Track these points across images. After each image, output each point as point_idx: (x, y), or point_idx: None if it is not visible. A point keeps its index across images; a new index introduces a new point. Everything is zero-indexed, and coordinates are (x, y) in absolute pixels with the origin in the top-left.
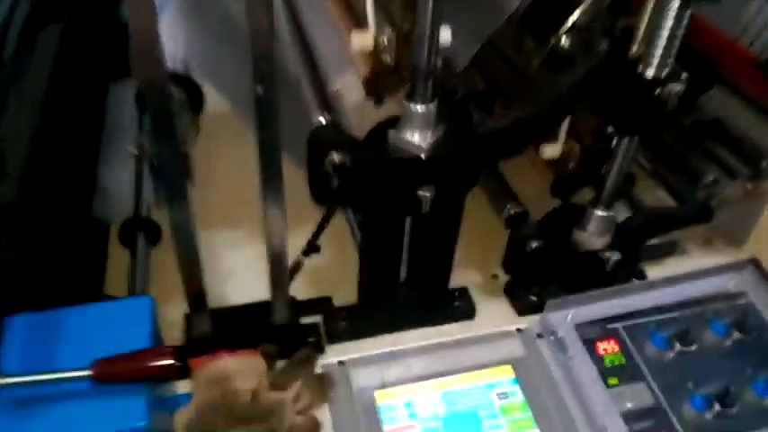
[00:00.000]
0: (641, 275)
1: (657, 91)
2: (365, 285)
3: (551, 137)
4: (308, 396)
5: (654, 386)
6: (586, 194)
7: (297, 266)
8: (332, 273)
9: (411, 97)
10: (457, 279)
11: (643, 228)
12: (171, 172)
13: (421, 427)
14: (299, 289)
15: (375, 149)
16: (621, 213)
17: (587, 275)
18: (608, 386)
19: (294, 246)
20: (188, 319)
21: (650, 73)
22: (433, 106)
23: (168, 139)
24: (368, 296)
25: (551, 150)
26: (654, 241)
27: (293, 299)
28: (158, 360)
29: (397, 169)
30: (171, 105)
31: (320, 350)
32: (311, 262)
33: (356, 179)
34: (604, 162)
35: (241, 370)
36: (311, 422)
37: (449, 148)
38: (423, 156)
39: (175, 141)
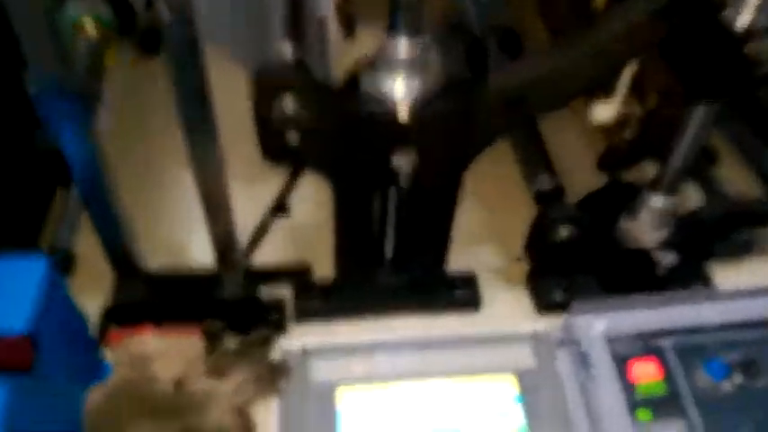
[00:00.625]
0: (705, 281)
1: (746, 47)
2: (342, 261)
3: (606, 93)
4: (251, 388)
5: (698, 427)
6: (644, 172)
7: (263, 229)
8: (321, 237)
9: (393, 28)
10: (466, 260)
11: (719, 223)
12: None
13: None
14: (276, 254)
15: (343, 100)
16: (691, 200)
17: (632, 276)
18: (636, 420)
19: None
20: (116, 283)
21: (739, 23)
22: (423, 42)
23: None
24: (346, 273)
25: (604, 111)
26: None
27: (249, 268)
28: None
29: (367, 129)
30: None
31: (280, 330)
32: (296, 223)
33: (316, 139)
34: (672, 132)
35: (167, 351)
36: (244, 424)
37: (442, 103)
38: (401, 113)
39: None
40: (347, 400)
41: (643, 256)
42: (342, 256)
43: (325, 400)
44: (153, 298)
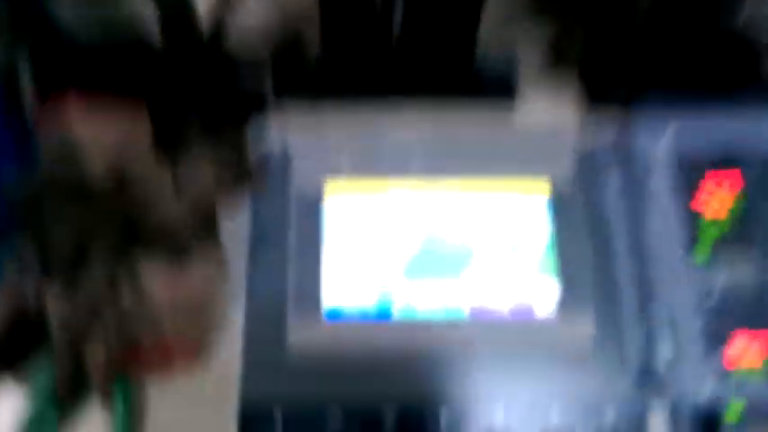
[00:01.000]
0: None
1: None
2: (335, 26)
3: None
4: (215, 181)
5: None
6: None
7: None
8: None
9: None
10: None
11: None
12: None
13: (382, 244)
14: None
15: None
16: None
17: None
18: (694, 258)
19: None
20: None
21: None
22: None
23: None
24: (340, 42)
25: None
26: None
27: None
28: None
29: None
30: None
31: (258, 107)
32: None
33: None
34: None
35: (104, 134)
36: (203, 221)
37: None
38: None
39: None
40: (335, 202)
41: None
42: (335, 18)
43: (308, 201)
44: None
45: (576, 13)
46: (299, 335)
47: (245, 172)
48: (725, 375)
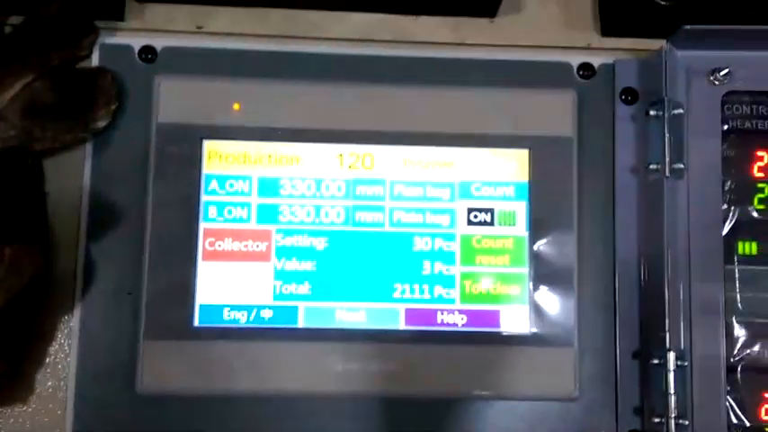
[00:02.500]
0: None
1: None
2: None
3: None
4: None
5: None
6: None
7: None
8: None
9: None
10: None
11: None
12: None
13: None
14: None
15: None
16: None
17: None
18: (737, 254)
19: None
20: None
21: None
22: None
23: None
24: None
25: None
26: None
27: None
28: None
29: None
30: None
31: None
32: None
33: None
34: None
35: None
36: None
37: None
38: None
39: None
40: (221, 161)
41: None
42: None
43: (183, 156)
44: None
45: None
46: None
47: (86, 107)
48: None
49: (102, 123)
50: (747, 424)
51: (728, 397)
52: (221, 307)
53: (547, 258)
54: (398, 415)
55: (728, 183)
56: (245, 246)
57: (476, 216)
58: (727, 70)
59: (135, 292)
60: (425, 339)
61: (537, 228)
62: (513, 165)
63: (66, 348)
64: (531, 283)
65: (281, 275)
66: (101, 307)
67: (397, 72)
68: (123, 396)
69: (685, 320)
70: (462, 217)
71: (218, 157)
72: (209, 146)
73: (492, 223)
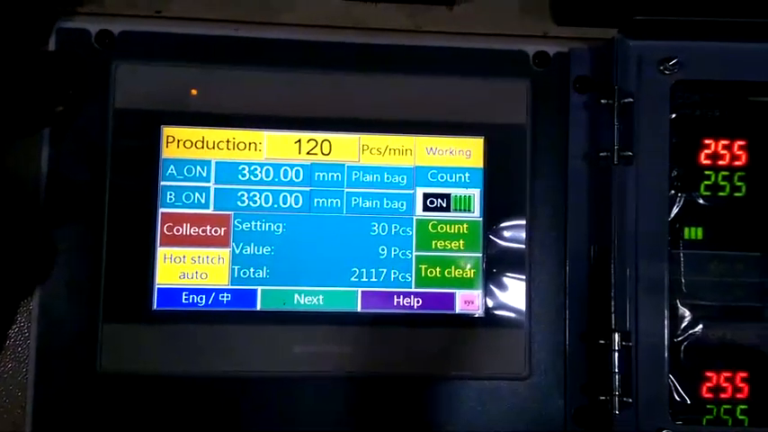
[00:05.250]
0: None
1: None
2: None
3: None
4: None
5: None
6: None
7: None
8: None
9: None
10: None
11: None
12: None
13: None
14: None
15: None
16: None
17: None
18: (682, 241)
19: None
20: None
21: None
22: None
23: None
24: None
25: None
26: None
27: None
28: None
29: None
30: None
31: None
32: None
33: None
34: None
35: None
36: None
37: None
38: None
39: None
40: (179, 147)
41: None
42: None
43: (140, 141)
44: None
45: None
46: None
47: (43, 92)
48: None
49: (58, 108)
50: (689, 401)
51: (671, 375)
52: (180, 290)
53: (500, 243)
54: (356, 395)
55: (676, 170)
56: (204, 231)
57: (432, 202)
58: (675, 60)
59: (94, 275)
60: (382, 321)
61: (491, 213)
62: (469, 151)
63: (26, 331)
64: (484, 267)
65: (240, 260)
66: (60, 290)
67: (356, 59)
68: (83, 378)
69: (631, 302)
70: (419, 202)
71: (176, 142)
72: (167, 131)
73: (448, 209)
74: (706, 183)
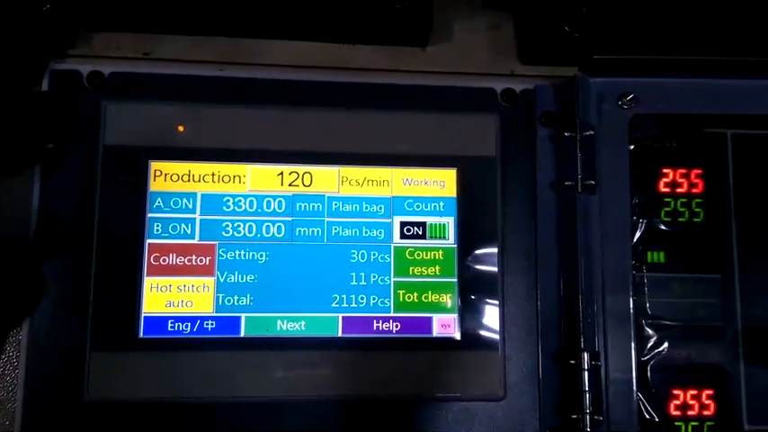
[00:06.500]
0: None
1: None
2: None
3: None
4: None
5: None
6: None
7: None
8: None
9: None
10: None
11: None
12: None
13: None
14: None
15: None
16: None
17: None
18: (645, 264)
19: None
20: None
21: None
22: None
23: None
24: None
25: None
26: None
27: None
28: None
29: None
30: None
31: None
32: None
33: None
34: None
35: None
36: None
37: None
38: None
39: None
40: (168, 180)
41: None
42: None
43: (129, 176)
44: None
45: None
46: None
47: (36, 130)
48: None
49: (50, 146)
50: (657, 419)
51: (639, 394)
52: (166, 318)
53: (474, 268)
54: (338, 417)
55: (637, 197)
56: (189, 260)
57: (409, 230)
58: (632, 95)
59: (82, 305)
60: (362, 346)
61: (465, 240)
62: (443, 182)
63: (15, 360)
64: (459, 292)
65: (224, 288)
66: (48, 319)
67: (336, 96)
68: (71, 406)
69: (600, 324)
70: (396, 230)
71: (163, 176)
72: (154, 166)
73: (424, 236)
74: (666, 209)
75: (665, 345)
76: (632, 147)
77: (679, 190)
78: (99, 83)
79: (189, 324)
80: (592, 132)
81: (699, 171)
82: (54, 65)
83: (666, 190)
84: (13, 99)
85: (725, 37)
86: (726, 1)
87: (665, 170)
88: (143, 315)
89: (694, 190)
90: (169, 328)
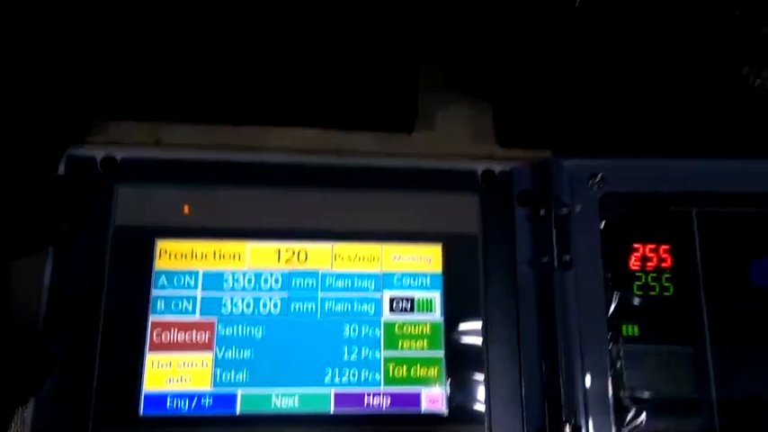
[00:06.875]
0: None
1: None
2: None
3: None
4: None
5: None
6: None
7: None
8: None
9: None
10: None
11: None
12: None
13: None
14: None
15: None
16: None
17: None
18: (621, 335)
19: None
20: None
21: None
22: None
23: None
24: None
25: None
26: None
27: None
28: None
29: None
30: None
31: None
32: None
33: None
34: None
35: None
36: None
37: None
38: None
39: None
40: (171, 258)
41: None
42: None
43: (137, 252)
44: None
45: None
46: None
47: (53, 214)
48: None
49: (64, 228)
50: None
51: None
52: (165, 396)
53: (460, 342)
54: None
55: (610, 272)
56: (189, 336)
57: (398, 304)
58: (601, 176)
59: (86, 382)
60: (353, 422)
61: (450, 315)
62: (429, 258)
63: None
64: (446, 366)
65: (222, 363)
66: (53, 396)
67: (330, 178)
68: None
69: (580, 397)
70: (386, 305)
71: (168, 254)
72: (160, 245)
73: (412, 310)
74: (638, 283)
75: (643, 416)
76: (604, 223)
77: (649, 265)
78: (112, 168)
79: (187, 401)
80: (566, 210)
81: (667, 247)
82: (71, 151)
83: (637, 265)
84: (32, 183)
85: (686, 122)
86: (686, 91)
87: (636, 245)
88: (144, 392)
89: (664, 265)
90: (168, 406)
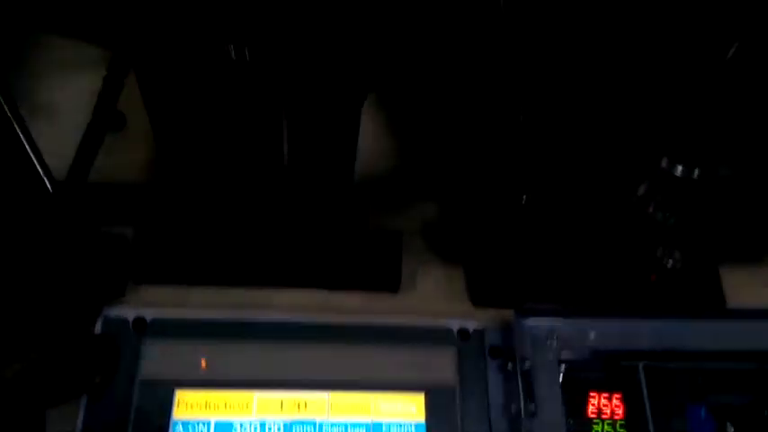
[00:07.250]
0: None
1: None
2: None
3: None
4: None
5: None
6: None
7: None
8: None
9: None
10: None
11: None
12: None
13: None
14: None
15: None
16: None
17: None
18: None
19: None
20: None
21: None
22: None
23: None
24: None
25: None
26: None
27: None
28: None
29: None
30: None
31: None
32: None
33: None
34: None
35: None
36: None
37: None
38: None
39: None
40: (188, 407)
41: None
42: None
43: (157, 402)
44: None
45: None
46: None
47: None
48: None
49: (97, 380)
50: None
51: None
52: None
53: None
54: None
55: (571, 419)
56: None
57: None
58: (556, 335)
59: None
60: None
61: None
62: (413, 407)
63: None
64: None
65: None
66: None
67: (324, 334)
68: None
69: None
70: None
71: (184, 404)
72: (179, 395)
73: None
74: (596, 429)
75: None
76: (561, 377)
77: (605, 413)
78: (141, 327)
79: None
80: (528, 364)
81: (619, 395)
82: (106, 311)
83: (594, 413)
84: (72, 340)
85: (628, 286)
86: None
87: (592, 395)
88: None
89: (616, 416)
90: None
